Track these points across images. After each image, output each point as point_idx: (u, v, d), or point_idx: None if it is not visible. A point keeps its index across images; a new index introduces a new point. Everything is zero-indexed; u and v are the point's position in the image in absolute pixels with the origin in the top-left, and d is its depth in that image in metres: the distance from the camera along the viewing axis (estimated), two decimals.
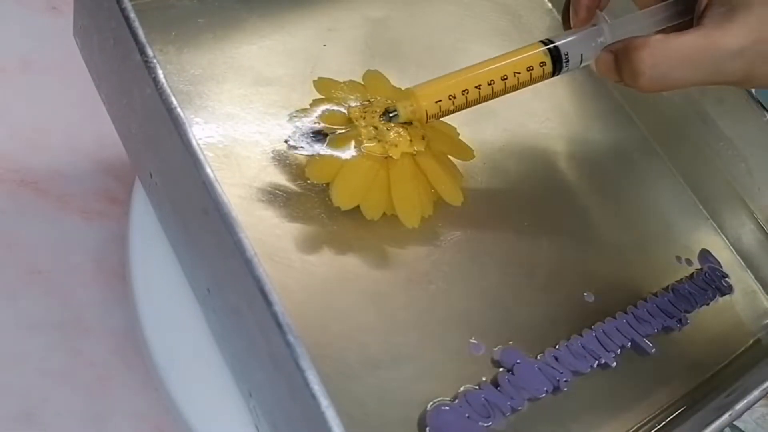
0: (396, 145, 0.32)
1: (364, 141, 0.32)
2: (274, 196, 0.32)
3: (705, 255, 0.41)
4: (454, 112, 0.32)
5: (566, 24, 0.33)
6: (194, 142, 0.23)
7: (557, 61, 0.31)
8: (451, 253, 0.34)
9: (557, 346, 0.33)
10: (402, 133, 0.33)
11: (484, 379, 0.31)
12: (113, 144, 0.31)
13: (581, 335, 0.34)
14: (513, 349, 0.32)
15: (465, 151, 0.36)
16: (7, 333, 0.32)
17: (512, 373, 0.31)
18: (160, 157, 0.27)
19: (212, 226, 0.23)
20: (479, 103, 0.32)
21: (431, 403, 0.29)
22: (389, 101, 0.33)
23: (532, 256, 0.36)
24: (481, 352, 0.32)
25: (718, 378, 0.37)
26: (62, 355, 0.32)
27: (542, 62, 0.31)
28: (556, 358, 0.32)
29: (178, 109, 0.24)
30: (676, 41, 0.27)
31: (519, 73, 0.31)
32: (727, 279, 0.41)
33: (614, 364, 0.34)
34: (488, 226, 0.36)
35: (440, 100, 0.31)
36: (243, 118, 0.34)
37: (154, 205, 0.30)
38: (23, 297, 0.33)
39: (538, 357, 0.32)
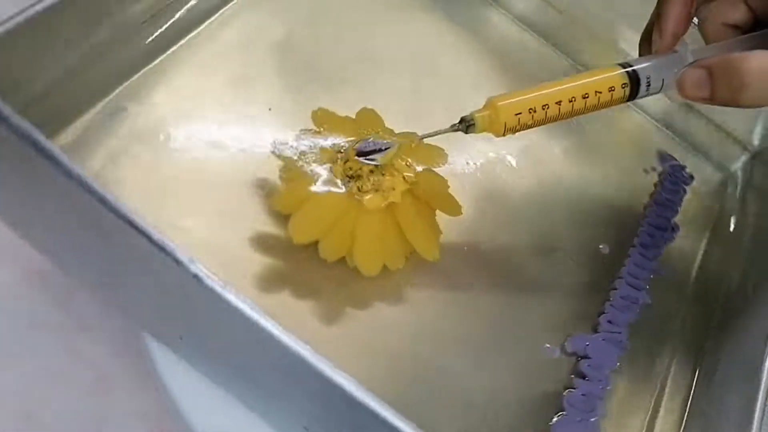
0: (376, 191, 0.31)
1: (343, 179, 0.31)
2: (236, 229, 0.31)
3: (662, 155, 0.45)
4: (531, 127, 0.31)
5: (644, 49, 0.33)
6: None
7: (636, 84, 0.31)
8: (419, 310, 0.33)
9: (604, 309, 0.35)
10: (386, 178, 0.32)
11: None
12: None
13: (616, 288, 0.36)
14: (576, 335, 0.34)
15: (453, 207, 0.34)
16: (7, 333, 0.31)
17: (588, 357, 0.33)
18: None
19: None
20: (558, 120, 0.31)
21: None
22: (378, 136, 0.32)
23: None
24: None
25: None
26: (62, 355, 0.31)
27: (624, 83, 0.31)
28: (610, 321, 0.34)
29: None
30: None
31: (600, 92, 0.30)
32: (685, 170, 0.45)
33: (650, 300, 0.36)
34: (464, 286, 0.35)
35: (520, 113, 0.30)
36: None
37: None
38: (23, 297, 0.32)
39: (598, 330, 0.34)
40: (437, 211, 0.34)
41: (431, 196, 0.33)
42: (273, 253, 0.31)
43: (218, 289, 0.22)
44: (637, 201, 0.43)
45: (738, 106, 0.28)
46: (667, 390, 0.35)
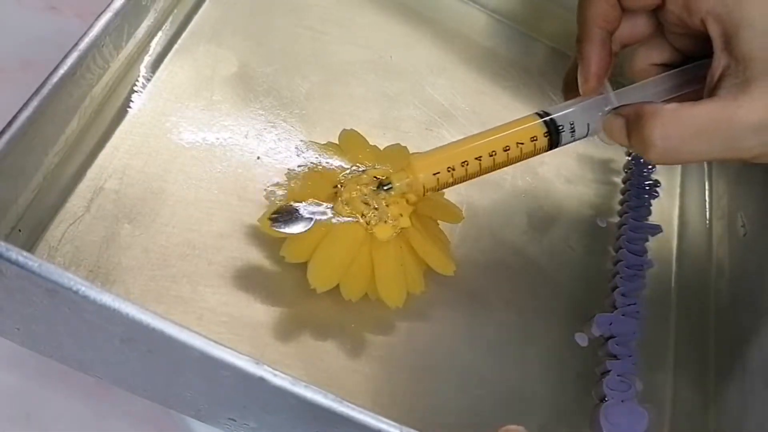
0: (385, 222, 0.30)
1: (350, 213, 0.30)
2: (249, 277, 0.30)
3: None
4: (452, 185, 0.30)
5: (568, 93, 0.32)
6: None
7: (557, 131, 0.30)
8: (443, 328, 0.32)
9: (616, 284, 0.35)
10: (391, 207, 0.31)
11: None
12: None
13: (621, 259, 0.36)
14: (599, 316, 0.34)
15: (454, 214, 0.34)
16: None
17: (614, 336, 0.34)
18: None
19: None
20: (479, 175, 0.30)
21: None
22: (376, 169, 0.32)
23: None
24: None
25: None
26: None
27: (546, 132, 0.30)
28: (623, 294, 0.35)
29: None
30: (689, 112, 0.26)
31: (522, 143, 0.30)
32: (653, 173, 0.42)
33: (653, 264, 0.37)
34: (481, 293, 0.34)
35: (438, 173, 0.29)
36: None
37: None
38: None
39: (616, 306, 0.34)
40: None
41: (432, 208, 0.33)
42: (292, 299, 0.30)
43: (288, 386, 0.22)
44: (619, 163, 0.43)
45: (650, 161, 0.27)
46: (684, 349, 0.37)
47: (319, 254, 0.30)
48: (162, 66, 0.35)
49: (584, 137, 0.31)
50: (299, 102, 0.37)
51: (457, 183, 0.30)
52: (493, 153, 0.30)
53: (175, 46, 0.36)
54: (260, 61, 0.37)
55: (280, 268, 0.31)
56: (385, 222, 0.30)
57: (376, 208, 0.30)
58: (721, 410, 0.34)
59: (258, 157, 0.34)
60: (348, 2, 0.43)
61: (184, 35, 0.36)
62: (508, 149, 0.30)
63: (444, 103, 0.40)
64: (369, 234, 0.30)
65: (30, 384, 0.31)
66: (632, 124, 0.27)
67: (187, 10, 0.37)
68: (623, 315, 0.34)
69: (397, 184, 0.30)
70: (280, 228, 0.29)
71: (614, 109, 0.29)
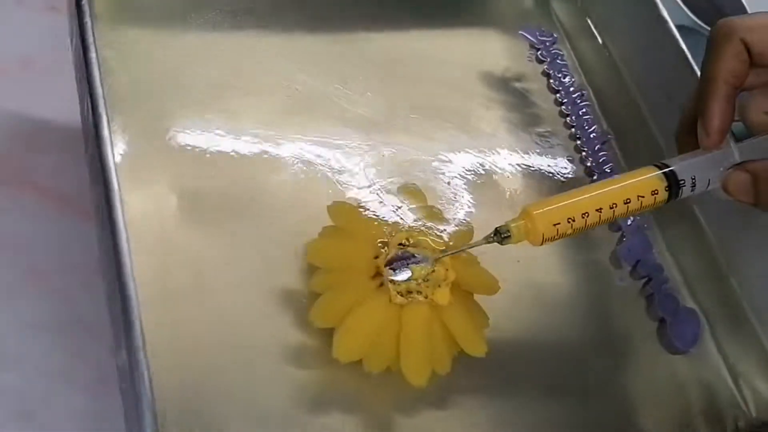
0: (439, 286, 0.30)
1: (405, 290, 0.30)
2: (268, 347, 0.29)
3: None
4: (570, 236, 0.29)
5: (683, 146, 0.31)
6: None
7: (677, 185, 0.29)
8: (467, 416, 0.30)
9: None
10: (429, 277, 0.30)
11: None
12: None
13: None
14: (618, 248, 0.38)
15: (490, 285, 0.32)
16: (7, 333, 0.32)
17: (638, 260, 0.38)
18: None
19: None
20: (596, 226, 0.29)
21: None
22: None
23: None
24: None
25: None
26: (62, 355, 0.32)
27: (667, 186, 0.29)
28: (629, 250, 0.38)
29: None
30: None
31: (643, 196, 0.29)
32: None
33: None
34: (513, 378, 0.32)
35: (558, 223, 0.28)
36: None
37: None
38: (23, 297, 0.33)
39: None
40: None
41: (466, 278, 0.32)
42: (311, 368, 0.29)
43: None
44: None
45: None
46: None
47: (347, 325, 0.29)
48: None
49: (703, 192, 0.30)
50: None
51: (575, 234, 0.29)
52: (614, 205, 0.29)
53: None
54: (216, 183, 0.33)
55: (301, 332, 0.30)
56: (439, 286, 0.30)
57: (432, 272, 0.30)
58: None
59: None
60: None
61: None
62: (629, 201, 0.29)
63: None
64: (399, 307, 0.30)
65: (30, 384, 0.31)
66: (763, 181, 0.27)
67: None
68: (641, 244, 0.38)
69: (516, 231, 0.28)
70: (395, 276, 0.30)
71: (738, 164, 0.28)
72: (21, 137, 0.37)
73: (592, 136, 0.42)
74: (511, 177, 0.39)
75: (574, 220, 0.28)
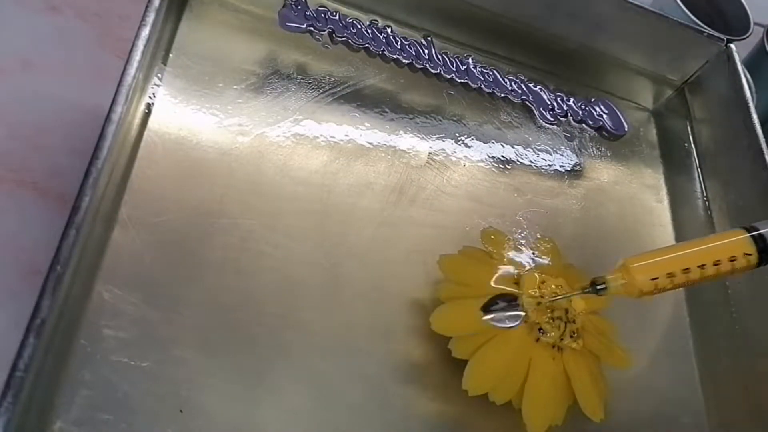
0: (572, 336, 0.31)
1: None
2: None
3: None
4: (668, 290, 0.29)
5: None
6: None
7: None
8: None
9: None
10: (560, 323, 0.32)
11: None
12: None
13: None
14: None
15: (621, 359, 0.33)
16: (8, 333, 0.31)
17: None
18: None
19: None
20: (697, 284, 0.29)
21: None
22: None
23: None
24: None
25: None
26: None
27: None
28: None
29: None
30: None
31: (735, 258, 0.29)
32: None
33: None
34: None
35: (657, 278, 0.28)
36: None
37: None
38: (23, 297, 0.32)
39: None
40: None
41: (600, 347, 0.32)
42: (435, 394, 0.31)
43: None
44: None
45: None
46: None
47: (482, 357, 0.30)
48: None
49: None
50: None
51: (675, 288, 0.29)
52: (717, 262, 0.29)
53: None
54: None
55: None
56: (572, 336, 0.31)
57: (570, 321, 0.31)
58: None
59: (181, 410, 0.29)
60: None
61: None
62: (734, 259, 0.29)
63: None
64: (534, 346, 0.31)
65: None
66: None
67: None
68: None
69: (613, 285, 0.29)
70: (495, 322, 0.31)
71: None
72: (21, 137, 0.37)
73: None
74: None
75: (674, 276, 0.28)
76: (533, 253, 0.37)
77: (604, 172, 0.45)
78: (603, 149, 0.46)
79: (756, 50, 0.57)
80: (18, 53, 0.40)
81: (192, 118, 0.35)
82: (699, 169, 0.47)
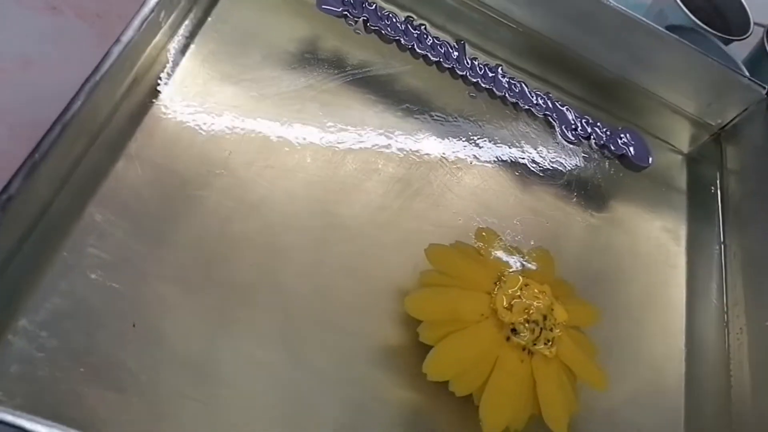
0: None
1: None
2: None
3: None
4: None
5: None
6: None
7: None
8: None
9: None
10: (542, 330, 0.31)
11: None
12: None
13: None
14: None
15: (597, 378, 0.33)
16: None
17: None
18: None
19: None
20: None
21: None
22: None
23: None
24: None
25: None
26: None
27: None
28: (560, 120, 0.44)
29: None
30: None
31: None
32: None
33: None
34: None
35: None
36: None
37: None
38: None
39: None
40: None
41: (575, 360, 0.32)
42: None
43: None
44: None
45: None
46: None
47: (448, 344, 0.30)
48: None
49: None
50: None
51: None
52: None
53: None
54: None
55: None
56: (546, 343, 0.31)
57: (547, 329, 0.31)
58: None
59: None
60: None
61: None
62: None
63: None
64: (504, 342, 0.31)
65: None
66: None
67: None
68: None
69: None
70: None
71: None
72: (21, 137, 0.36)
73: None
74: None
75: None
76: (524, 258, 0.36)
77: (621, 203, 0.44)
78: (624, 179, 0.45)
79: (756, 50, 0.57)
80: (18, 53, 0.39)
81: (215, 78, 0.37)
82: (721, 216, 0.45)
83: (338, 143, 0.38)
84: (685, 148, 0.49)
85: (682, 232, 0.45)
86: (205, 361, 0.29)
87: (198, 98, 0.36)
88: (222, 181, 0.34)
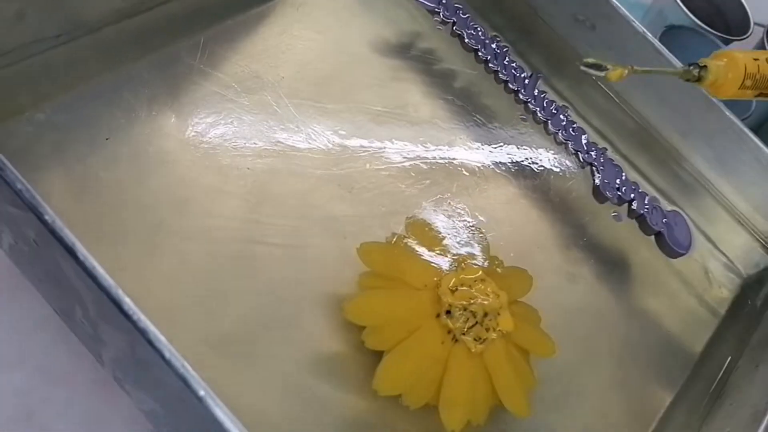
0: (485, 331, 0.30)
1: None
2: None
3: None
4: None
5: None
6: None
7: None
8: None
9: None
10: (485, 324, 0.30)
11: None
12: None
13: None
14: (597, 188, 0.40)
15: (546, 346, 0.32)
16: (7, 333, 0.31)
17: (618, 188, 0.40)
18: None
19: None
20: None
21: None
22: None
23: None
24: None
25: None
26: (62, 355, 0.31)
27: None
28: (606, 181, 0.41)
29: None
30: None
31: None
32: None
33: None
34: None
35: (758, 59, 0.28)
36: None
37: None
38: (23, 297, 0.32)
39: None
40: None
41: (525, 338, 0.31)
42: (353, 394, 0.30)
43: None
44: None
45: None
46: None
47: (394, 357, 0.29)
48: None
49: None
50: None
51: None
52: None
53: None
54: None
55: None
56: (498, 314, 0.30)
57: (485, 328, 0.30)
58: None
59: None
60: None
61: None
62: None
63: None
64: (450, 348, 0.30)
65: (30, 384, 0.30)
66: None
67: None
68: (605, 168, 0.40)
69: (713, 67, 0.29)
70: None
71: None
72: None
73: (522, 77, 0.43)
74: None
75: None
76: (489, 262, 0.35)
77: (642, 292, 0.41)
78: (653, 263, 0.42)
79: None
80: None
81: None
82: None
83: (355, 122, 0.38)
84: (743, 271, 0.44)
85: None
86: None
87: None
88: (217, 131, 0.35)
